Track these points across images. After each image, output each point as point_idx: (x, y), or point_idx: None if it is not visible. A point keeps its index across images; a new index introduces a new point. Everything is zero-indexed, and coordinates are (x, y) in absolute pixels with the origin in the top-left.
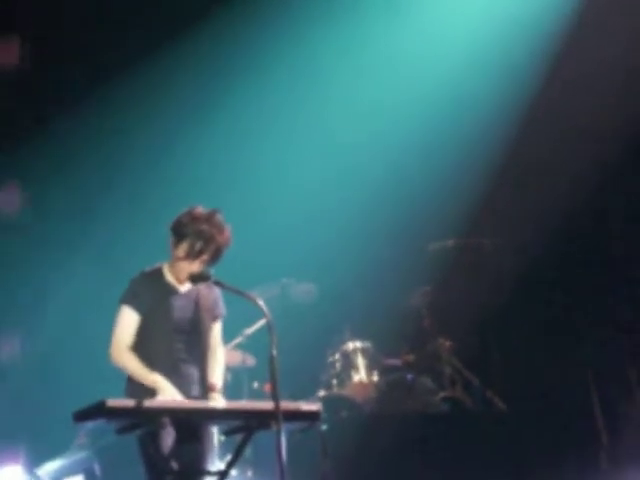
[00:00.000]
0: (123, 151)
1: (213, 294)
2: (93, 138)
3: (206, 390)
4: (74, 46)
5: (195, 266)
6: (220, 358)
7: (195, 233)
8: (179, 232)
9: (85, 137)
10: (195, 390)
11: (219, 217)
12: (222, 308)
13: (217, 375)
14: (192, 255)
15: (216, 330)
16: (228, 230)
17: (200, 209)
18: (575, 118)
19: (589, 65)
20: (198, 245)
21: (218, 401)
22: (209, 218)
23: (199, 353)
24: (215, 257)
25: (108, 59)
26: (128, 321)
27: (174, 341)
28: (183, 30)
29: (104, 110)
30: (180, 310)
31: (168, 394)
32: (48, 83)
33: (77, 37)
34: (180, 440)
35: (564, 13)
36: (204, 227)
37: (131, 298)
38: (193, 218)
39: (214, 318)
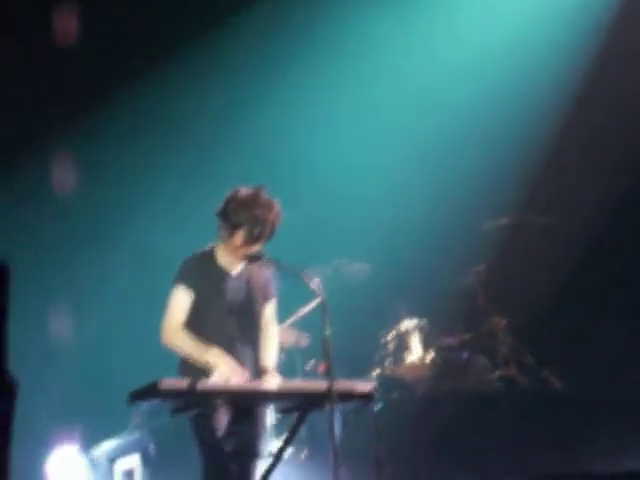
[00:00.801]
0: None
1: (265, 274)
2: (147, 118)
3: (258, 372)
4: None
5: (254, 248)
6: (273, 338)
7: (249, 220)
8: (231, 220)
9: (137, 117)
10: (250, 369)
11: (264, 195)
12: (274, 289)
13: (270, 357)
14: (251, 241)
15: (269, 310)
16: (277, 204)
17: (244, 191)
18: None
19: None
20: (256, 231)
21: (272, 382)
22: (256, 199)
23: (252, 334)
24: (270, 236)
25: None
26: (181, 302)
27: (227, 322)
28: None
29: (157, 92)
30: (232, 292)
31: (226, 368)
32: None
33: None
34: (234, 421)
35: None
36: (257, 211)
37: (183, 279)
38: (241, 203)
39: (266, 298)
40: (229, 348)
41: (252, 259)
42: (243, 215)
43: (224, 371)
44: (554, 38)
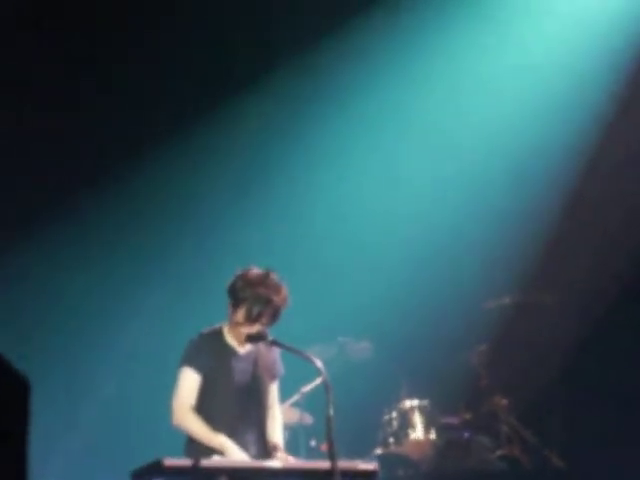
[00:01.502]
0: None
1: (272, 354)
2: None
3: (270, 450)
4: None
5: (255, 328)
6: (278, 417)
7: (252, 297)
8: (236, 297)
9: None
10: (252, 450)
11: (274, 278)
12: (281, 368)
13: (278, 434)
14: (251, 319)
15: (274, 390)
16: (285, 290)
17: (254, 271)
18: None
19: None
20: (256, 309)
21: (285, 460)
22: (264, 280)
23: (257, 414)
24: (274, 318)
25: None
26: (190, 382)
27: (233, 403)
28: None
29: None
30: (240, 372)
31: (235, 455)
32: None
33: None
34: None
35: None
36: (260, 290)
37: (191, 359)
38: (248, 282)
39: (272, 378)
40: (232, 429)
41: (253, 339)
42: (247, 292)
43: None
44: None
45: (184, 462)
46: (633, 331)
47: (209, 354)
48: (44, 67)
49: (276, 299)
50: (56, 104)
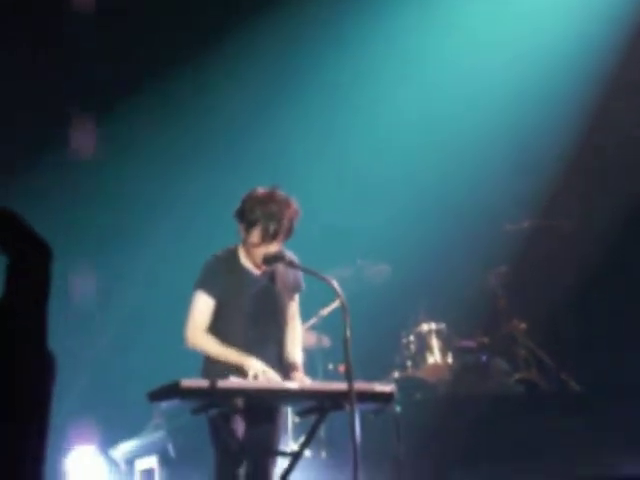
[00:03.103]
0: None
1: (291, 270)
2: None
3: (287, 369)
4: None
5: (273, 247)
6: (298, 334)
7: (265, 216)
8: (247, 218)
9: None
10: (276, 369)
11: (281, 193)
12: (301, 282)
13: (297, 352)
14: (268, 238)
15: (294, 305)
16: (294, 202)
17: (260, 190)
18: None
19: None
20: (272, 227)
21: (301, 380)
22: (272, 196)
23: (275, 333)
24: (289, 233)
25: None
26: (203, 305)
27: (251, 324)
28: None
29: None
30: (256, 293)
31: (256, 367)
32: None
33: None
34: (253, 421)
35: None
36: (272, 207)
37: (206, 283)
38: (257, 201)
39: (291, 293)
40: (251, 350)
41: (271, 260)
42: (259, 212)
43: (257, 368)
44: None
45: (201, 383)
46: None
47: (223, 277)
48: None
49: (288, 213)
50: None
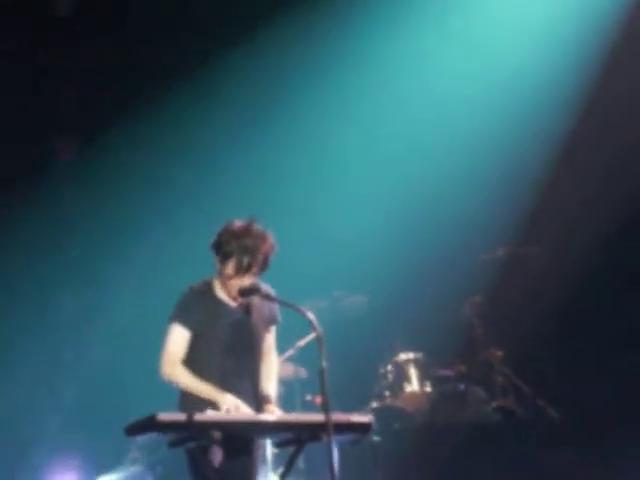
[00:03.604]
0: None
1: (267, 302)
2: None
3: (260, 402)
4: None
5: (246, 280)
6: (274, 367)
7: (240, 249)
8: (223, 251)
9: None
10: (250, 403)
11: (258, 226)
12: (277, 315)
13: (271, 385)
14: (242, 271)
15: (270, 338)
16: (270, 236)
17: (237, 223)
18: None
19: None
20: (245, 260)
21: (273, 413)
22: (249, 230)
23: (251, 365)
24: (263, 266)
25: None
26: (179, 337)
27: (227, 356)
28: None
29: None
30: (232, 325)
31: (228, 402)
32: None
33: None
34: (231, 453)
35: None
36: (247, 241)
37: (181, 314)
38: (233, 234)
39: (267, 325)
40: (227, 382)
41: (247, 293)
42: (234, 244)
43: (229, 403)
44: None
45: (178, 417)
46: (623, 280)
47: (199, 309)
48: None
49: (263, 247)
50: None
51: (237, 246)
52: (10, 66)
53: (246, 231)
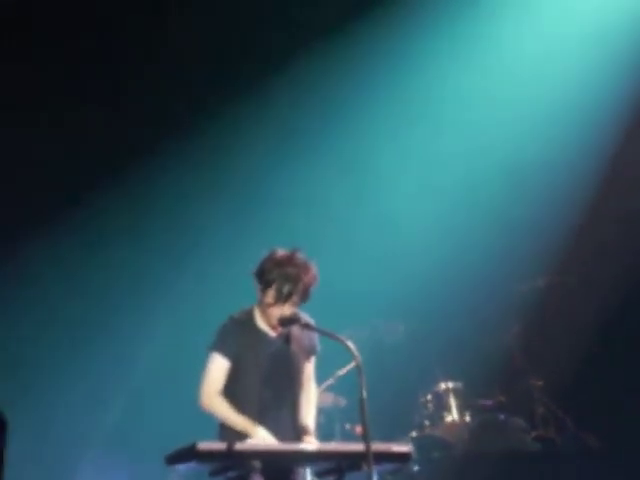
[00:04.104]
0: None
1: (307, 332)
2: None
3: (299, 433)
4: None
5: (286, 309)
6: (313, 397)
7: (281, 277)
8: (264, 279)
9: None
10: (289, 434)
11: (301, 256)
12: (316, 344)
13: (310, 416)
14: (281, 299)
15: (309, 368)
16: (314, 267)
17: (280, 252)
18: None
19: None
20: (286, 289)
21: (311, 443)
22: (292, 259)
23: (291, 395)
24: (304, 297)
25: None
26: (218, 368)
27: (266, 387)
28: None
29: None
30: (272, 355)
31: (260, 437)
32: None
33: None
34: None
35: None
36: (289, 269)
37: (221, 344)
38: (276, 262)
39: (307, 356)
40: (264, 413)
41: (287, 322)
42: (275, 272)
43: (259, 438)
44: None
45: (218, 446)
46: None
47: (239, 339)
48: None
49: (305, 277)
50: None
51: (278, 274)
52: None
53: (289, 260)
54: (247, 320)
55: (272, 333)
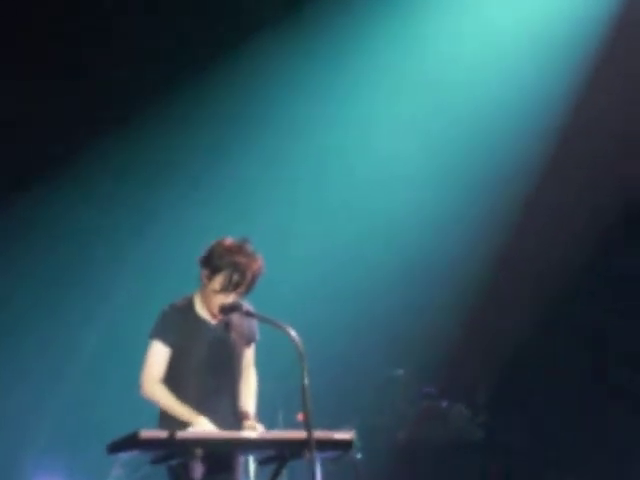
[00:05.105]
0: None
1: (247, 320)
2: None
3: (239, 418)
4: None
5: (231, 298)
6: (253, 383)
7: (231, 265)
8: (213, 265)
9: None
10: (229, 421)
11: (250, 246)
12: (256, 333)
13: (250, 402)
14: (229, 287)
15: (249, 354)
16: (261, 258)
17: (230, 240)
18: None
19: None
20: (235, 277)
21: (253, 429)
22: (241, 248)
23: (230, 382)
24: (250, 287)
25: None
26: (159, 355)
27: (206, 374)
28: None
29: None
30: (212, 343)
31: (201, 426)
32: None
33: None
34: (213, 470)
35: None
36: (239, 258)
37: (161, 332)
38: (226, 250)
39: (247, 343)
40: (204, 400)
41: (228, 310)
42: (225, 260)
43: (204, 427)
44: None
45: (160, 434)
46: None
47: (179, 327)
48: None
49: (253, 266)
50: None
51: (229, 262)
52: None
53: (239, 249)
54: (187, 307)
55: (212, 321)
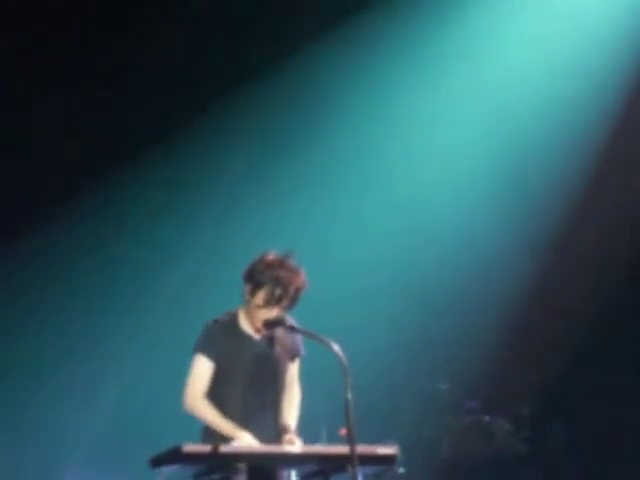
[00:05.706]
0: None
1: (291, 335)
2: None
3: (280, 432)
4: None
5: (274, 312)
6: (296, 398)
7: (273, 280)
8: (255, 280)
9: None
10: (272, 436)
11: (293, 261)
12: (300, 347)
13: (291, 417)
14: (272, 302)
15: (293, 369)
16: (303, 273)
17: (272, 255)
18: None
19: None
20: (277, 292)
21: (291, 443)
22: (283, 263)
23: (274, 397)
24: (294, 301)
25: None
26: (202, 369)
27: (249, 389)
28: None
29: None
30: (255, 357)
31: (244, 441)
32: None
33: None
34: None
35: None
36: (281, 273)
37: (205, 346)
38: (267, 265)
39: (291, 358)
40: (248, 415)
41: (272, 325)
42: (266, 275)
43: (246, 442)
44: None
45: (203, 448)
46: None
47: (223, 341)
48: None
49: (296, 281)
50: None
51: (271, 277)
52: None
53: (281, 263)
54: (231, 322)
55: (256, 336)
